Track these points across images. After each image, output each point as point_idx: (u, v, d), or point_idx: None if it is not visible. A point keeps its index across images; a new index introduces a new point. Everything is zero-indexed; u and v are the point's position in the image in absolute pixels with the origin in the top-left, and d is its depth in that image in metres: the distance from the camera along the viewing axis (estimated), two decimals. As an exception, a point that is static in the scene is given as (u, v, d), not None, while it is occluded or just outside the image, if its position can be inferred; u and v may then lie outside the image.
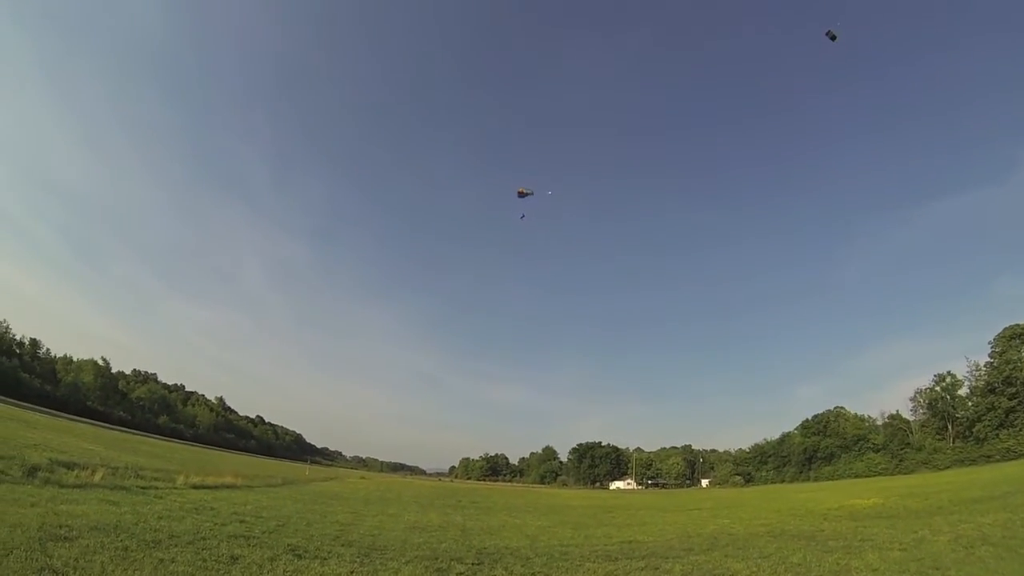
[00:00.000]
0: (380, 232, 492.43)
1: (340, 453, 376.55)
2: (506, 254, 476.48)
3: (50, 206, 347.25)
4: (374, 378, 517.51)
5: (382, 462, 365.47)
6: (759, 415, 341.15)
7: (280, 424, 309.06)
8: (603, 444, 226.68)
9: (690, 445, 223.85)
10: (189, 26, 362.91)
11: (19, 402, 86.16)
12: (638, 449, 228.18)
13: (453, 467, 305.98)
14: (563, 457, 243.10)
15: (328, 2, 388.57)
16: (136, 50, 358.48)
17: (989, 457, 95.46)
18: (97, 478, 22.51)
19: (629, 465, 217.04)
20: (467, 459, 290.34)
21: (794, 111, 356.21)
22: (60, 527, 11.86)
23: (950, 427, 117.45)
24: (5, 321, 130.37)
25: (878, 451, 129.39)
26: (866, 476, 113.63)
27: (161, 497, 21.40)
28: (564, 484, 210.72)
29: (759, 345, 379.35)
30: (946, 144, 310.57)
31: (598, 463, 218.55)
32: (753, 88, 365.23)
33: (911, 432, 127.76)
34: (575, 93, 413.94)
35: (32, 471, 19.98)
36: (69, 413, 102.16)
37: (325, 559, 13.18)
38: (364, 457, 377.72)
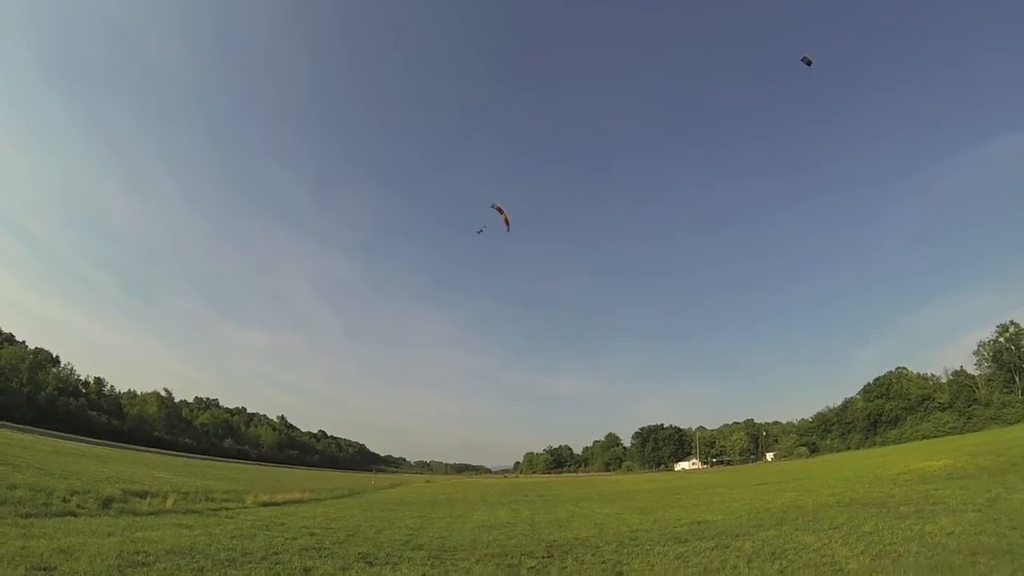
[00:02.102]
0: (426, 240, 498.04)
1: (404, 459, 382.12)
2: (556, 247, 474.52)
3: (101, 249, 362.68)
4: (432, 382, 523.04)
5: (446, 464, 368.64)
6: (819, 383, 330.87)
7: (343, 436, 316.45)
8: (665, 426, 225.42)
9: (752, 419, 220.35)
10: (217, 58, 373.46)
11: (89, 439, 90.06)
12: (700, 428, 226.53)
13: (518, 463, 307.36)
14: (626, 442, 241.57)
15: (352, 16, 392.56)
16: (167, 87, 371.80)
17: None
18: (169, 504, 23.37)
19: (692, 444, 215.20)
20: (531, 453, 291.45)
21: (832, 67, 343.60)
22: (137, 553, 12.29)
23: (1017, 379, 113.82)
24: (69, 364, 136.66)
25: (944, 410, 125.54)
26: (934, 437, 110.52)
27: (232, 517, 22.08)
28: (629, 469, 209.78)
29: (813, 312, 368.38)
30: (995, 84, 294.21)
31: (661, 445, 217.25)
32: (787, 53, 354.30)
33: (977, 388, 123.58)
34: (608, 71, 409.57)
35: (107, 503, 20.83)
36: (137, 444, 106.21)
37: (396, 564, 13.36)
38: (428, 461, 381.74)
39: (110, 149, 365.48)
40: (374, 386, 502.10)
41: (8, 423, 73.66)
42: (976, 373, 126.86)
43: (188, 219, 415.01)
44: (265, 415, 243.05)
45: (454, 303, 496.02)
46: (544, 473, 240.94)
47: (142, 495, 24.51)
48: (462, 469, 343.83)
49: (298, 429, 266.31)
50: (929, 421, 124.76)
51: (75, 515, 17.65)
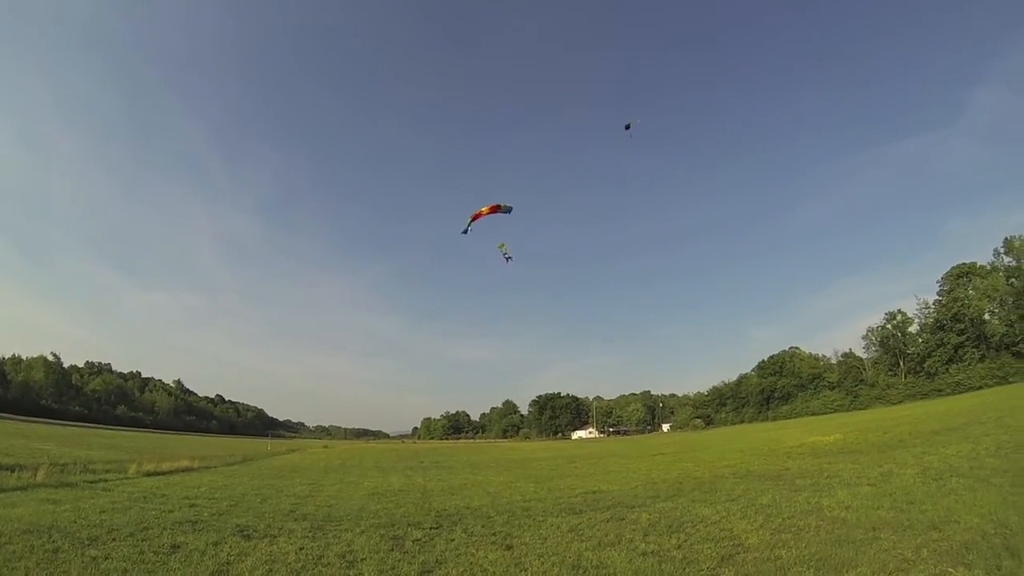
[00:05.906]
0: (334, 200, 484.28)
1: (303, 424, 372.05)
2: (460, 212, 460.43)
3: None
4: (333, 346, 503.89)
5: (345, 429, 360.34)
6: (716, 359, 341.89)
7: (241, 401, 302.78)
8: (563, 395, 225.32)
9: (649, 391, 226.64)
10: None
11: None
12: (598, 397, 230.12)
13: (416, 428, 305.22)
14: (524, 410, 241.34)
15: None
16: (65, 28, 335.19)
17: (940, 391, 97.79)
18: (40, 477, 21.22)
19: (590, 414, 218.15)
20: (429, 419, 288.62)
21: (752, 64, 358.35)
22: (-14, 534, 10.90)
23: (902, 363, 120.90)
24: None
25: (833, 388, 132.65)
26: (823, 413, 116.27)
27: (109, 490, 20.26)
28: (527, 437, 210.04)
29: (714, 290, 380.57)
30: (897, 90, 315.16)
31: (559, 414, 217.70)
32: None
33: (864, 369, 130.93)
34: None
35: (-33, 478, 18.66)
36: (22, 415, 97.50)
37: (275, 537, 12.53)
38: (327, 426, 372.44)
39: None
40: (274, 349, 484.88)
41: None
42: (864, 356, 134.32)
43: (80, 171, 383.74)
44: (161, 380, 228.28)
45: (356, 267, 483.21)
46: (442, 439, 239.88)
47: (12, 469, 22.16)
48: (361, 434, 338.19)
49: (195, 394, 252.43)
50: (819, 399, 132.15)
51: (-75, 493, 15.64)
